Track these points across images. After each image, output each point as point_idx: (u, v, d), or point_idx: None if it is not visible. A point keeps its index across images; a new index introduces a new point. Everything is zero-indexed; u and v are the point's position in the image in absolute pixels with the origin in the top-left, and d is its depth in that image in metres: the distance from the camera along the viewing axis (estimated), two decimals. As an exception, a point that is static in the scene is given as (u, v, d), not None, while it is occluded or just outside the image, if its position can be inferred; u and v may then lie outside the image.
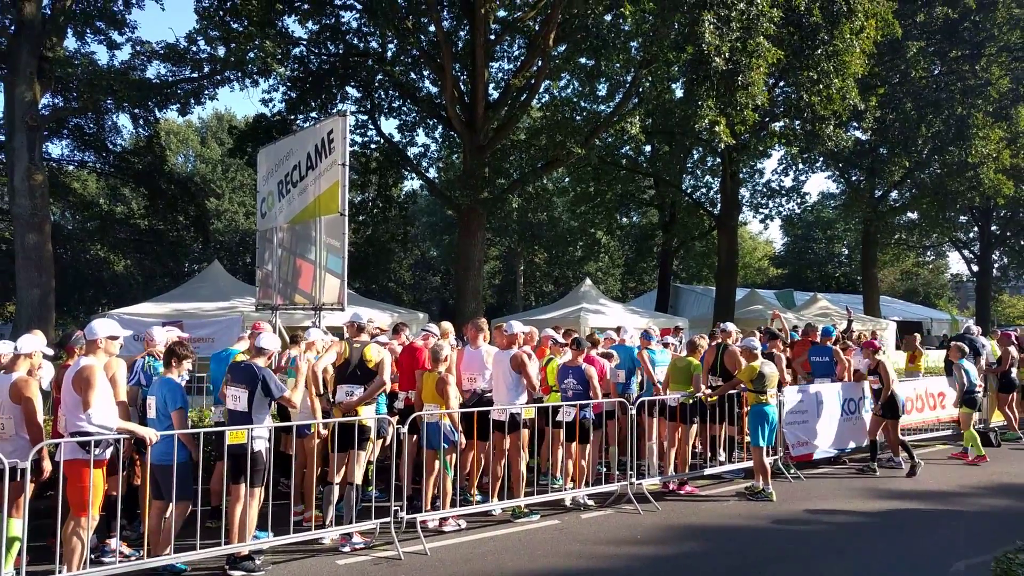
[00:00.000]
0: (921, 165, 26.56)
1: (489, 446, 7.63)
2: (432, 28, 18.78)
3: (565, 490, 8.08)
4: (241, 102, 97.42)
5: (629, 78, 18.89)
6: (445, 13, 19.50)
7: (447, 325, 8.93)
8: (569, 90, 23.67)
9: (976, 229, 37.75)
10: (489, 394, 7.93)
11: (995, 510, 8.29)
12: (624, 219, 35.81)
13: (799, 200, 32.24)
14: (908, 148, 25.63)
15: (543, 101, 23.00)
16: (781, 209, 32.06)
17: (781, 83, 22.61)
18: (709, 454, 9.52)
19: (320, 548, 6.59)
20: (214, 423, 7.19)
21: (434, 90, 21.82)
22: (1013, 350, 12.26)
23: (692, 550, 6.86)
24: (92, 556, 5.85)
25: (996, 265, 40.17)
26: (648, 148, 27.51)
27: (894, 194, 30.49)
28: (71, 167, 25.15)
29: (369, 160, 22.16)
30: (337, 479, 6.71)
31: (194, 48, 17.85)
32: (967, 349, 11.49)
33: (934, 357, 15.07)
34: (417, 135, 23.92)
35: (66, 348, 6.56)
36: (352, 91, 21.86)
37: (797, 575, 6.09)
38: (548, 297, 42.26)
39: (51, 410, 6.74)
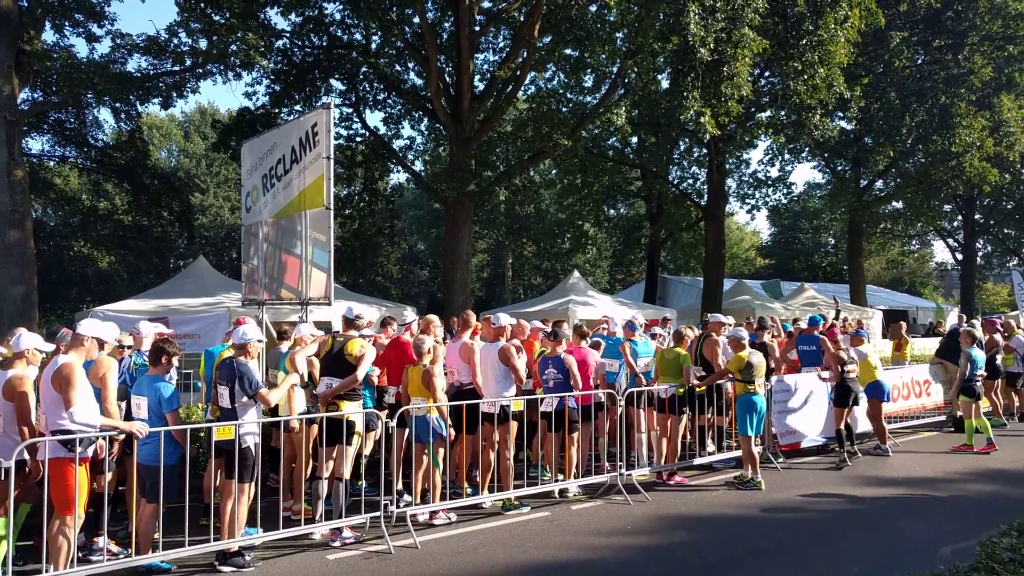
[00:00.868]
0: (905, 154, 26.72)
1: (478, 439, 7.62)
2: (416, 19, 18.68)
3: (555, 482, 8.08)
4: (225, 95, 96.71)
5: (615, 69, 18.88)
6: (429, 4, 19.37)
7: (431, 317, 8.89)
8: (555, 82, 23.63)
9: (960, 218, 38.04)
10: (469, 387, 7.89)
11: (980, 495, 8.37)
12: (611, 211, 35.83)
13: (785, 190, 32.31)
14: (892, 137, 25.77)
15: (529, 93, 22.95)
16: (767, 199, 32.14)
17: (767, 73, 22.67)
18: (698, 444, 9.55)
19: (310, 543, 6.56)
20: (205, 420, 7.13)
21: (419, 82, 21.70)
22: (998, 337, 12.37)
23: (682, 540, 6.88)
24: (80, 555, 5.80)
25: (980, 253, 40.53)
26: (634, 139, 27.51)
27: (879, 183, 30.66)
28: (52, 162, 24.86)
29: (355, 153, 22.02)
30: (325, 474, 6.68)
31: (175, 41, 17.66)
32: (979, 336, 11.43)
33: (919, 345, 15.17)
34: (403, 128, 23.78)
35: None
36: (336, 84, 21.74)
37: (787, 563, 6.12)
38: (536, 290, 42.26)
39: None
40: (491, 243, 44.79)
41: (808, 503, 8.00)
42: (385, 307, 16.59)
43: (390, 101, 22.55)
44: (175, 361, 6.26)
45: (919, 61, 26.01)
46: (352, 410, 6.74)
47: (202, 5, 16.96)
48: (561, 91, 23.20)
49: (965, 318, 15.21)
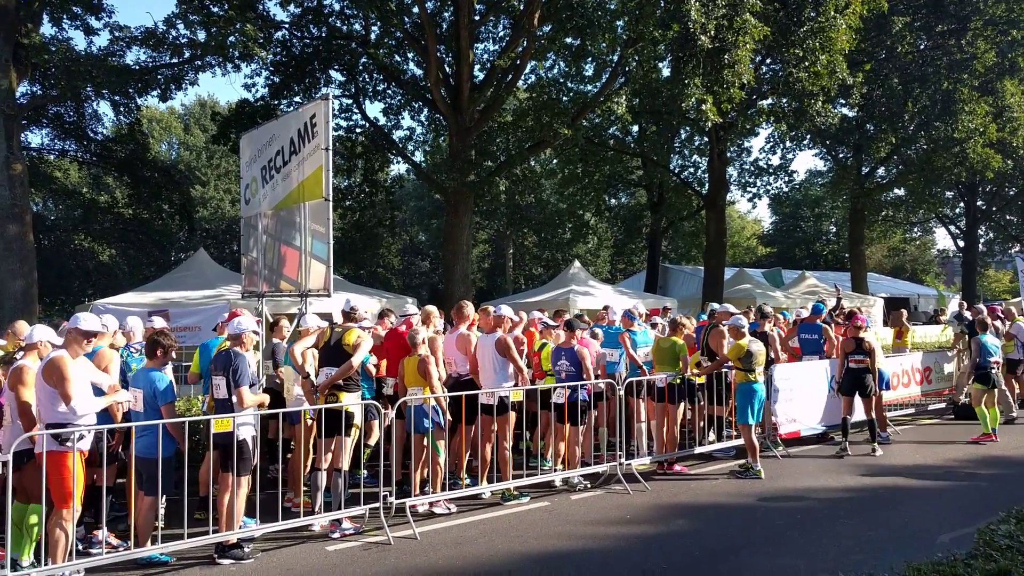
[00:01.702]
0: (908, 141, 26.59)
1: (477, 429, 7.62)
2: (416, 9, 18.57)
3: (554, 472, 8.09)
4: (224, 88, 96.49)
5: (615, 58, 18.78)
6: (428, -7, 19.26)
7: (431, 308, 8.89)
8: (555, 71, 23.51)
9: (962, 205, 37.91)
10: (467, 378, 7.90)
11: (980, 483, 8.36)
12: (612, 200, 35.74)
13: (787, 178, 32.19)
14: (895, 124, 25.64)
15: (529, 82, 22.84)
16: (769, 187, 32.02)
17: (768, 60, 22.53)
18: (699, 433, 9.55)
19: (310, 535, 6.57)
20: (202, 412, 7.15)
21: (419, 72, 21.61)
22: (998, 324, 12.32)
23: (682, 529, 6.88)
24: (80, 547, 5.82)
25: (982, 240, 40.41)
26: (635, 128, 27.40)
27: (881, 171, 30.54)
28: (52, 156, 24.82)
29: (354, 144, 21.96)
30: (324, 465, 6.69)
31: (173, 33, 17.59)
32: (990, 323, 11.31)
33: (921, 333, 15.15)
34: (402, 118, 23.67)
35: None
36: (336, 75, 21.66)
37: (786, 552, 6.12)
38: (537, 280, 42.21)
39: None
40: (492, 233, 44.73)
41: (807, 491, 8.00)
42: (386, 298, 16.60)
43: (390, 92, 22.47)
44: (172, 354, 6.26)
45: (921, 46, 25.84)
46: (351, 401, 6.74)
47: (200, -3, 16.89)
48: (561, 80, 23.09)
49: (966, 305, 15.16)
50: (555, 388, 8.07)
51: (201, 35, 17.58)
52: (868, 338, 10.03)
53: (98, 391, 5.68)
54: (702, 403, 9.35)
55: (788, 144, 29.98)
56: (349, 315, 7.15)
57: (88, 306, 13.81)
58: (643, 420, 9.06)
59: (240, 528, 5.99)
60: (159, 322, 7.55)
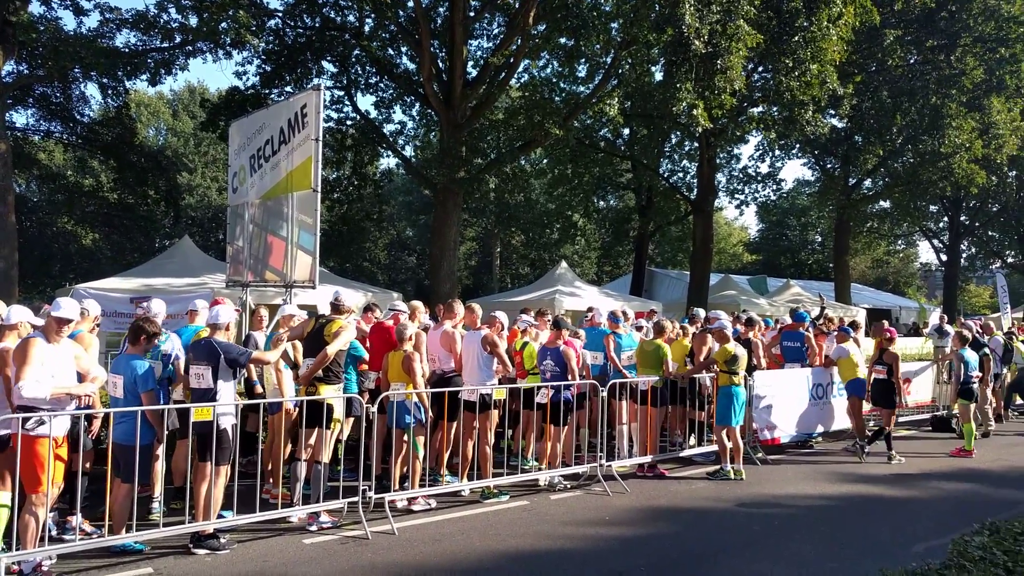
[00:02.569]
0: (895, 154, 26.83)
1: (459, 426, 7.61)
2: (410, 3, 18.49)
3: (534, 471, 8.09)
4: (214, 74, 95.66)
5: (608, 59, 18.78)
6: (424, -12, 19.19)
7: (416, 303, 8.86)
8: (548, 70, 23.51)
9: (946, 219, 38.31)
10: (450, 374, 7.88)
11: (957, 494, 8.45)
12: (601, 202, 35.81)
13: (774, 187, 32.45)
14: (883, 136, 25.86)
15: (522, 81, 22.83)
16: (756, 195, 32.27)
17: (759, 68, 22.64)
18: (684, 436, 9.59)
19: (287, 527, 6.53)
20: (173, 401, 7.06)
21: (412, 67, 21.53)
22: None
23: (660, 531, 6.90)
24: (54, 533, 5.75)
25: (964, 255, 40.88)
26: (626, 131, 27.46)
27: (867, 182, 30.80)
28: (37, 137, 24.51)
29: (344, 136, 21.85)
30: (304, 457, 6.64)
31: (165, 16, 17.40)
32: (969, 337, 11.46)
33: (901, 345, 15.27)
34: (394, 112, 23.67)
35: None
36: (328, 66, 21.51)
37: (762, 557, 6.15)
38: (524, 279, 42.21)
39: None
40: (480, 231, 44.68)
41: (785, 498, 8.05)
42: (371, 292, 16.53)
43: (382, 85, 22.36)
44: (155, 341, 6.20)
45: (911, 61, 26.06)
46: (331, 394, 6.70)
47: (193, -19, 16.71)
48: (554, 80, 23.08)
49: (946, 318, 15.31)
50: (539, 388, 8.07)
51: (193, 20, 17.40)
52: (891, 349, 10.26)
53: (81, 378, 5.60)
54: (685, 407, 9.38)
55: (777, 152, 30.21)
56: (336, 306, 7.10)
57: (69, 290, 13.64)
58: (624, 422, 9.08)
59: (217, 519, 5.94)
60: (157, 306, 7.38)
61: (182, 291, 14.11)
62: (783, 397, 10.14)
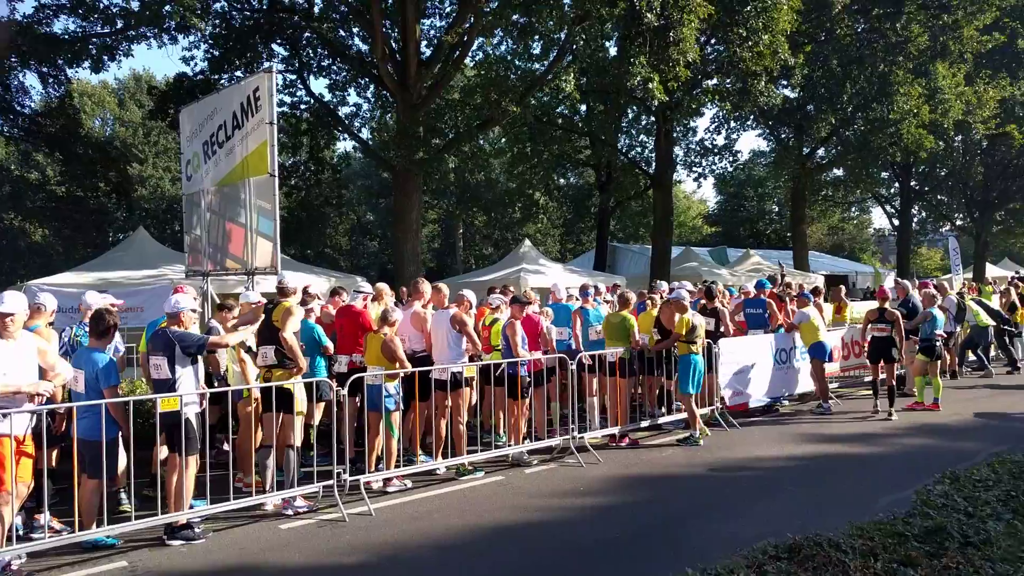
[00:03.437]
0: (846, 122, 27.30)
1: (431, 406, 7.61)
2: (361, -18, 18.20)
3: (508, 446, 8.14)
4: (162, 61, 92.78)
5: (562, 35, 18.71)
6: (373, -34, 18.84)
7: (382, 286, 8.81)
8: (503, 48, 23.34)
9: (897, 185, 39.18)
10: (421, 354, 7.88)
11: (919, 449, 8.73)
12: (561, 180, 35.83)
13: (731, 158, 32.77)
14: (834, 105, 26.26)
15: (477, 59, 22.65)
16: (714, 168, 32.55)
17: (712, 41, 22.79)
18: (653, 406, 9.72)
19: (263, 514, 6.48)
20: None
21: (364, 48, 21.20)
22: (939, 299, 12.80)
23: (633, 499, 7.01)
24: (22, 532, 5.62)
25: (915, 220, 41.88)
26: (583, 108, 27.47)
27: (821, 151, 31.32)
28: (-25, 131, 23.60)
29: (299, 121, 21.47)
30: (271, 442, 6.57)
31: (105, 1, 16.84)
32: (938, 297, 11.76)
33: (858, 308, 15.65)
34: (348, 95, 23.26)
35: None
36: (279, 49, 21.10)
37: (733, 518, 6.30)
38: (488, 260, 42.16)
39: None
40: (442, 213, 44.43)
41: (754, 461, 8.23)
42: (335, 277, 16.36)
43: (335, 67, 21.99)
44: (116, 334, 6.07)
45: (859, 29, 26.45)
46: (285, 380, 6.59)
47: (133, -37, 16.20)
48: (509, 57, 22.92)
49: (900, 281, 15.71)
50: (496, 363, 8.07)
51: (135, 4, 16.89)
52: (890, 308, 10.53)
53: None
54: (651, 376, 9.51)
55: (732, 124, 30.51)
56: (282, 290, 6.99)
57: (21, 287, 13.24)
58: (595, 394, 9.17)
59: (190, 509, 5.87)
60: (104, 299, 7.22)
61: (140, 283, 13.80)
62: (748, 363, 10.33)
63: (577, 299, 10.23)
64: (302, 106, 21.67)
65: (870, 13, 25.83)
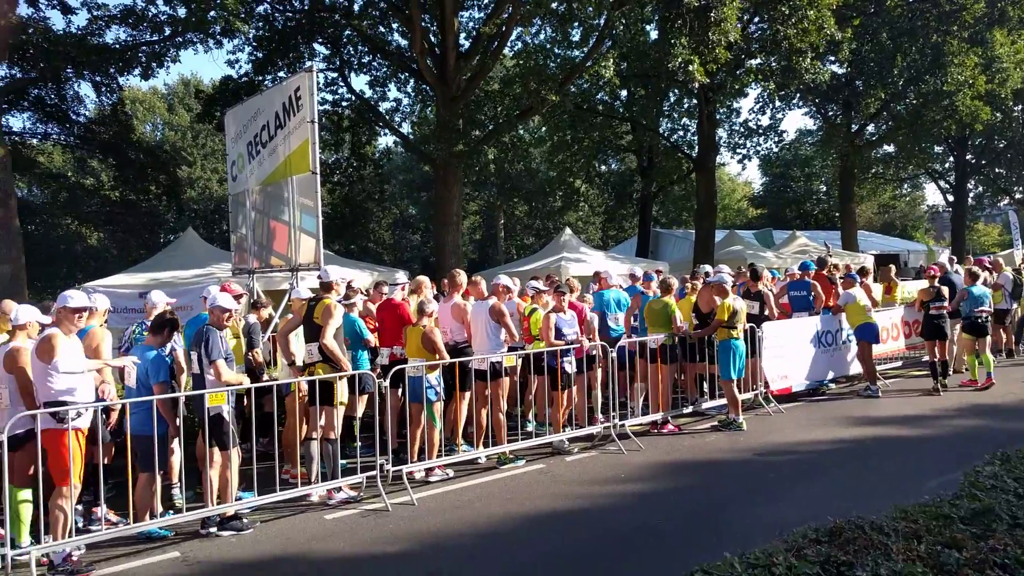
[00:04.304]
0: (897, 96, 26.45)
1: (472, 396, 7.69)
2: (398, -22, 18.31)
3: (548, 434, 8.17)
4: (208, 65, 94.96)
5: (602, 21, 18.55)
6: (410, -39, 18.94)
7: (422, 278, 8.91)
8: (542, 36, 23.24)
9: (952, 159, 37.86)
10: (463, 346, 7.95)
11: (968, 430, 8.49)
12: (602, 166, 35.57)
13: (776, 138, 32.02)
14: (884, 80, 25.46)
15: (515, 49, 22.61)
16: (759, 148, 31.85)
17: (755, 19, 22.32)
18: (698, 392, 9.65)
19: (308, 505, 6.65)
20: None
21: (404, 43, 21.34)
22: (986, 275, 12.40)
23: (675, 485, 6.99)
24: (80, 525, 5.88)
25: (971, 195, 40.41)
26: (624, 93, 27.19)
27: (871, 127, 30.41)
28: (35, 140, 24.51)
29: (341, 118, 21.76)
30: (316, 435, 6.73)
31: (153, 9, 17.30)
32: (980, 274, 11.39)
33: (910, 288, 15.23)
34: (389, 90, 23.44)
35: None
36: (320, 48, 21.37)
37: (776, 502, 6.23)
38: (529, 249, 42.17)
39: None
40: (482, 204, 44.56)
41: (798, 445, 8.11)
42: (378, 272, 16.58)
43: (375, 63, 22.21)
44: (175, 336, 6.32)
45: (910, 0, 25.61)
46: (330, 375, 6.72)
47: (178, -30, 16.59)
48: (548, 46, 22.83)
49: (956, 260, 15.24)
50: (535, 354, 8.10)
51: (181, 11, 17.28)
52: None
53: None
54: (694, 362, 9.44)
55: (777, 104, 29.77)
56: (325, 285, 7.10)
57: (79, 290, 13.76)
58: (638, 380, 9.14)
59: (237, 500, 6.06)
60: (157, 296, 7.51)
61: (189, 283, 14.20)
62: (793, 346, 10.17)
63: (621, 286, 10.25)
64: (343, 103, 21.95)
65: (921, -19, 24.97)
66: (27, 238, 18.70)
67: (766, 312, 10.18)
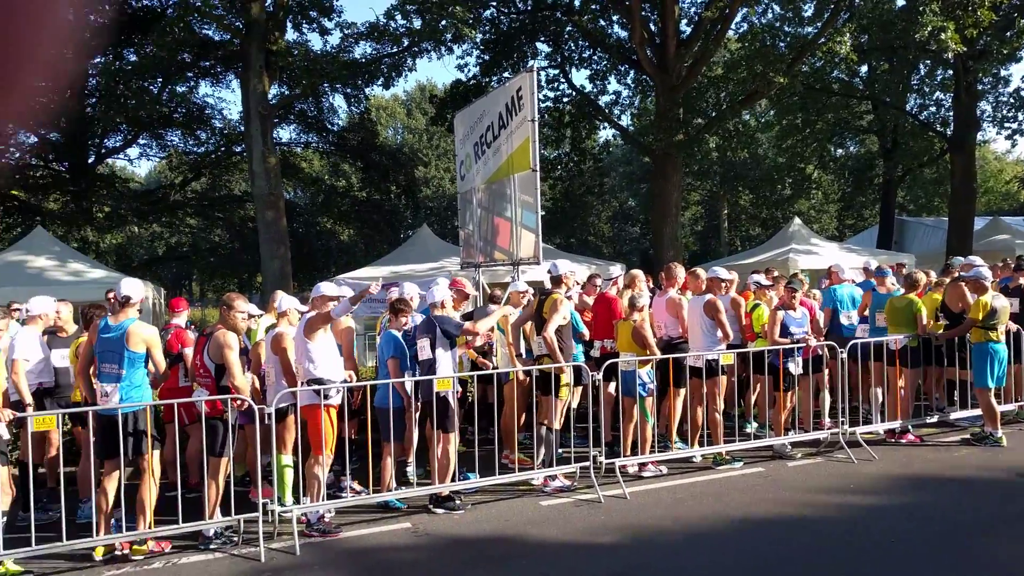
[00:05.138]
0: None
1: (687, 393, 7.56)
2: (617, -30, 18.32)
3: (768, 437, 7.80)
4: (440, 71, 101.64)
5: (839, -9, 17.19)
6: (631, -49, 18.86)
7: (636, 272, 8.89)
8: (769, 15, 22.00)
9: None
10: (677, 341, 7.82)
11: None
12: (838, 150, 32.94)
13: (1058, 108, 27.53)
14: None
15: (740, 31, 21.64)
16: (1034, 121, 27.61)
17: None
18: (945, 400, 8.69)
19: (525, 490, 6.95)
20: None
21: (623, 34, 21.34)
22: None
23: (915, 501, 6.35)
24: (329, 492, 6.66)
25: None
26: (864, 69, 24.92)
27: None
28: (298, 149, 27.89)
29: (562, 114, 22.25)
30: (545, 422, 7.01)
31: (393, 24, 18.90)
32: None
33: None
34: (608, 83, 23.69)
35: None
36: (542, 46, 22.03)
37: (1042, 532, 5.45)
38: (755, 240, 40.19)
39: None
40: (704, 194, 43.21)
41: (1075, 467, 7.00)
42: (595, 265, 16.78)
43: (595, 57, 22.43)
44: (406, 319, 6.96)
45: None
46: (555, 365, 6.95)
47: (415, -15, 17.92)
48: (776, 25, 21.56)
49: None
50: (755, 352, 7.74)
51: (417, 23, 18.71)
52: None
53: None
54: (941, 367, 8.49)
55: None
56: (555, 279, 7.32)
57: (333, 281, 15.49)
58: (878, 385, 8.41)
59: (461, 481, 6.52)
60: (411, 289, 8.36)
61: (424, 275, 15.37)
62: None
63: (854, 281, 9.50)
64: (564, 99, 22.43)
65: None
66: (292, 236, 21.35)
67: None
